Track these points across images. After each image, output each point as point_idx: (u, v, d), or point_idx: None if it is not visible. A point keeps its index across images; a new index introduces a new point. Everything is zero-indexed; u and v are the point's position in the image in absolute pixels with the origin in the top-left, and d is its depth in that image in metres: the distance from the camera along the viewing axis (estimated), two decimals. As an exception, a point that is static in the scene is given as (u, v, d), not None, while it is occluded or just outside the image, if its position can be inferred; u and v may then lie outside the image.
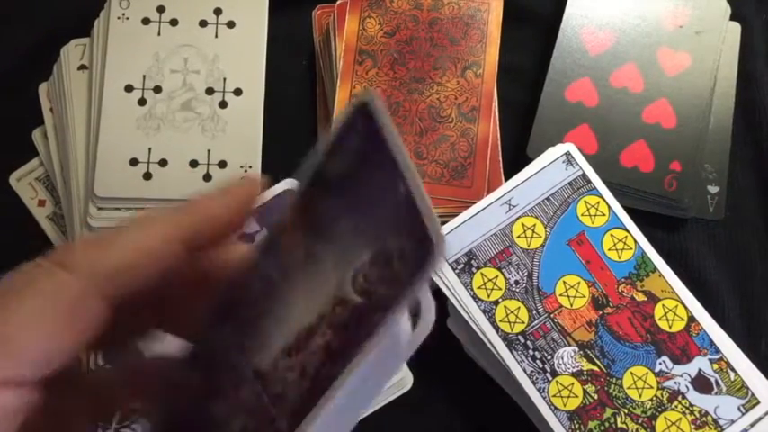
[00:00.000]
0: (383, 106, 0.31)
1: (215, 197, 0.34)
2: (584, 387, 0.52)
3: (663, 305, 0.54)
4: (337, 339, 0.31)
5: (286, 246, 0.34)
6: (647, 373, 0.52)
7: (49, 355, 0.30)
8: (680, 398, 0.52)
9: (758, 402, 0.52)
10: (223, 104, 0.63)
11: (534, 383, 0.52)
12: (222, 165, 0.61)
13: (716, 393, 0.52)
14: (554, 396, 0.52)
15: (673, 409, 0.52)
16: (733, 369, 0.52)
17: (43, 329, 0.29)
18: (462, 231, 0.55)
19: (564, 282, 0.54)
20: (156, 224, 0.33)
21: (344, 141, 0.33)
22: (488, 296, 0.54)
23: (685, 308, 0.53)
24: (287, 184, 0.56)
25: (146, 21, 0.64)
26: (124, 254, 0.31)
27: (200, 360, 0.37)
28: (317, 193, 0.34)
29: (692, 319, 0.53)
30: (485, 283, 0.54)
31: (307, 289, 0.33)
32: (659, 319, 0.53)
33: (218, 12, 0.65)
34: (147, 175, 0.61)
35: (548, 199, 0.56)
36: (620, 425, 0.51)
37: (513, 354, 0.53)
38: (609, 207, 0.55)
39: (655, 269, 0.54)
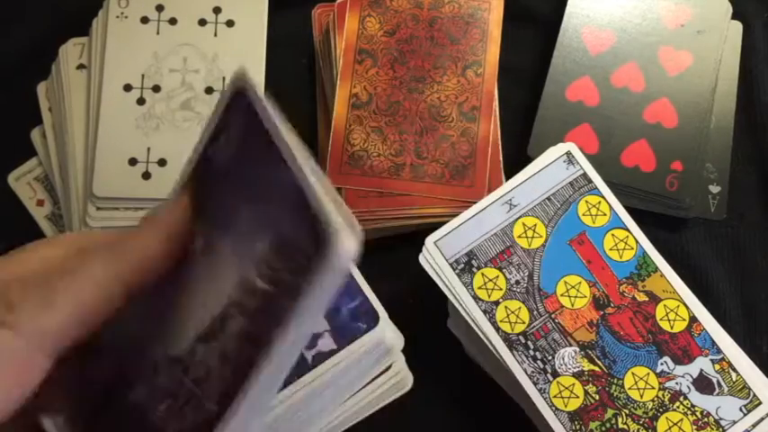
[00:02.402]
0: (257, 89, 0.33)
1: (146, 232, 0.35)
2: (586, 387, 0.52)
3: (664, 305, 0.53)
4: (253, 325, 0.32)
5: None
6: (648, 373, 0.52)
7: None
8: (681, 398, 0.52)
9: (760, 403, 0.51)
10: (223, 104, 0.63)
11: (535, 384, 0.52)
12: (222, 164, 0.61)
13: (717, 394, 0.52)
14: (555, 397, 0.52)
15: (674, 410, 0.51)
16: (735, 370, 0.52)
17: None
18: (463, 231, 0.55)
19: (565, 282, 0.54)
20: (96, 273, 0.33)
21: (226, 126, 0.34)
22: (489, 296, 0.54)
23: (687, 308, 0.53)
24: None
25: (144, 20, 0.64)
26: (68, 312, 0.33)
27: (110, 350, 0.37)
28: (210, 182, 0.35)
29: (693, 319, 0.53)
30: (485, 284, 0.54)
31: (209, 277, 0.34)
32: (661, 320, 0.53)
33: (217, 10, 0.64)
34: (147, 175, 0.60)
35: (548, 199, 0.55)
36: (621, 425, 0.51)
37: (513, 354, 0.53)
38: (610, 207, 0.55)
39: (656, 269, 0.54)
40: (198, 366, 0.34)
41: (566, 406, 0.52)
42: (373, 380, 0.53)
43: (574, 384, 0.52)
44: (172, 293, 0.36)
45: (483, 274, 0.54)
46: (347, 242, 0.29)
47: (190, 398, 0.34)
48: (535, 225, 0.55)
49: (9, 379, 0.32)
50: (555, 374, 0.52)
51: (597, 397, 0.52)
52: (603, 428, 0.51)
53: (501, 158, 0.64)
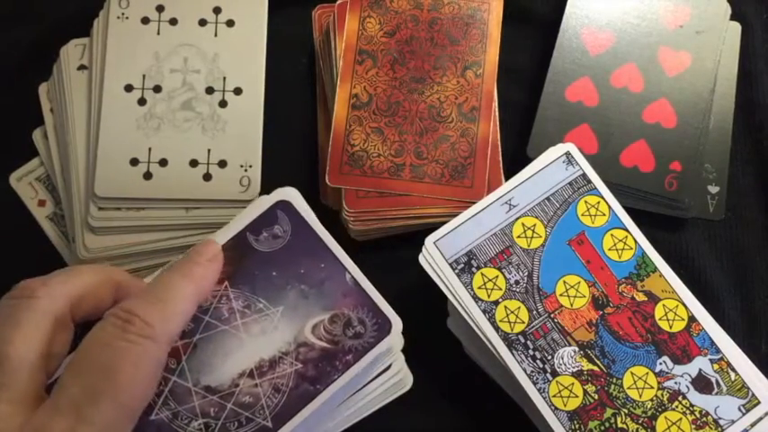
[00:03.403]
0: (303, 202, 0.51)
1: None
2: (585, 387, 0.52)
3: (663, 305, 0.53)
4: (313, 370, 0.47)
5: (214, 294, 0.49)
6: (647, 373, 0.52)
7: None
8: (680, 398, 0.52)
9: (758, 402, 0.51)
10: (223, 104, 0.63)
11: (534, 383, 0.52)
12: (222, 164, 0.61)
13: (716, 393, 0.52)
14: (554, 396, 0.52)
15: (673, 410, 0.52)
16: (733, 369, 0.52)
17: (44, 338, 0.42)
18: (462, 231, 0.55)
19: (564, 282, 0.54)
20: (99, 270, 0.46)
21: (271, 223, 0.50)
22: (488, 296, 0.54)
23: (686, 308, 0.53)
24: (279, 194, 0.53)
25: (145, 20, 0.64)
26: (84, 287, 0.44)
27: None
28: (251, 259, 0.49)
29: (692, 319, 0.53)
30: (485, 284, 0.54)
31: (259, 332, 0.48)
32: (660, 320, 0.53)
33: (217, 11, 0.65)
34: (148, 175, 0.61)
35: (548, 199, 0.55)
36: (620, 425, 0.51)
37: (513, 354, 0.53)
38: (609, 207, 0.55)
39: (655, 269, 0.54)
40: (243, 394, 0.47)
41: (565, 405, 0.52)
42: (373, 380, 0.53)
43: (573, 384, 0.52)
44: (208, 339, 0.48)
45: (482, 274, 0.54)
46: (398, 324, 0.49)
47: (235, 417, 0.46)
48: (534, 225, 0.55)
49: (155, 384, 0.43)
50: (554, 374, 0.52)
51: (596, 396, 0.52)
52: (602, 428, 0.51)
53: (500, 159, 0.64)
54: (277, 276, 0.49)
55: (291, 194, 0.51)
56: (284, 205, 0.51)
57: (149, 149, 0.61)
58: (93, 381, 0.40)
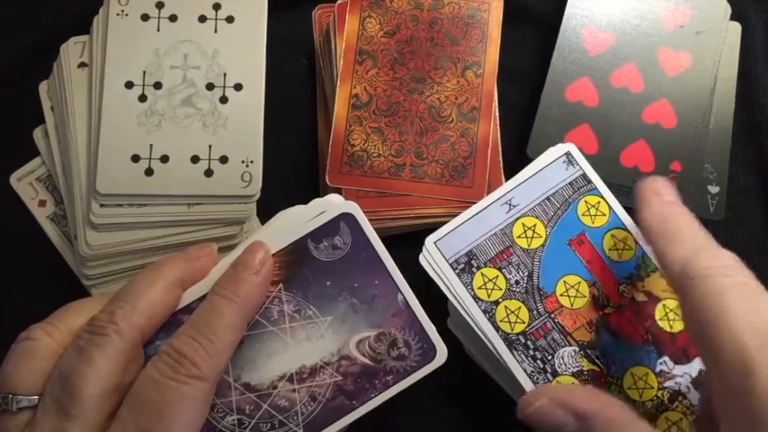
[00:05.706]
0: (367, 221, 0.51)
1: (199, 249, 0.50)
2: (585, 387, 0.52)
3: (663, 305, 0.54)
4: (352, 384, 0.48)
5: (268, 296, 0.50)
6: (647, 373, 0.52)
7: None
8: (681, 398, 0.52)
9: (758, 403, 0.52)
10: (224, 100, 0.63)
11: (535, 383, 0.52)
12: (223, 160, 0.61)
13: (716, 394, 0.52)
14: (554, 396, 0.52)
15: (673, 410, 0.52)
16: (733, 370, 0.52)
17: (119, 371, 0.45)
18: (462, 231, 0.55)
19: (564, 282, 0.54)
20: (163, 275, 0.48)
21: (332, 233, 0.50)
22: (489, 296, 0.54)
23: (686, 308, 0.54)
24: (344, 207, 0.52)
25: (145, 17, 0.64)
26: (149, 311, 0.46)
27: None
28: (308, 267, 0.50)
29: (692, 319, 0.53)
30: (485, 284, 0.54)
31: (306, 337, 0.49)
32: (660, 320, 0.53)
33: (216, 7, 0.65)
34: (149, 171, 0.61)
35: (548, 199, 0.56)
36: (620, 425, 0.51)
37: (513, 354, 0.53)
38: (609, 207, 0.55)
39: (655, 269, 0.54)
40: (280, 397, 0.48)
41: (565, 405, 0.52)
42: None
43: (573, 384, 0.52)
44: (255, 338, 0.49)
45: (483, 274, 0.54)
46: (443, 354, 0.50)
47: (269, 419, 0.47)
48: (535, 225, 0.55)
49: (204, 414, 0.46)
50: (554, 374, 0.52)
51: (596, 396, 0.52)
52: (603, 428, 0.51)
53: (501, 159, 0.64)
54: (330, 286, 0.50)
55: (355, 208, 0.51)
56: (347, 218, 0.51)
57: (150, 146, 0.61)
58: (145, 419, 0.43)
